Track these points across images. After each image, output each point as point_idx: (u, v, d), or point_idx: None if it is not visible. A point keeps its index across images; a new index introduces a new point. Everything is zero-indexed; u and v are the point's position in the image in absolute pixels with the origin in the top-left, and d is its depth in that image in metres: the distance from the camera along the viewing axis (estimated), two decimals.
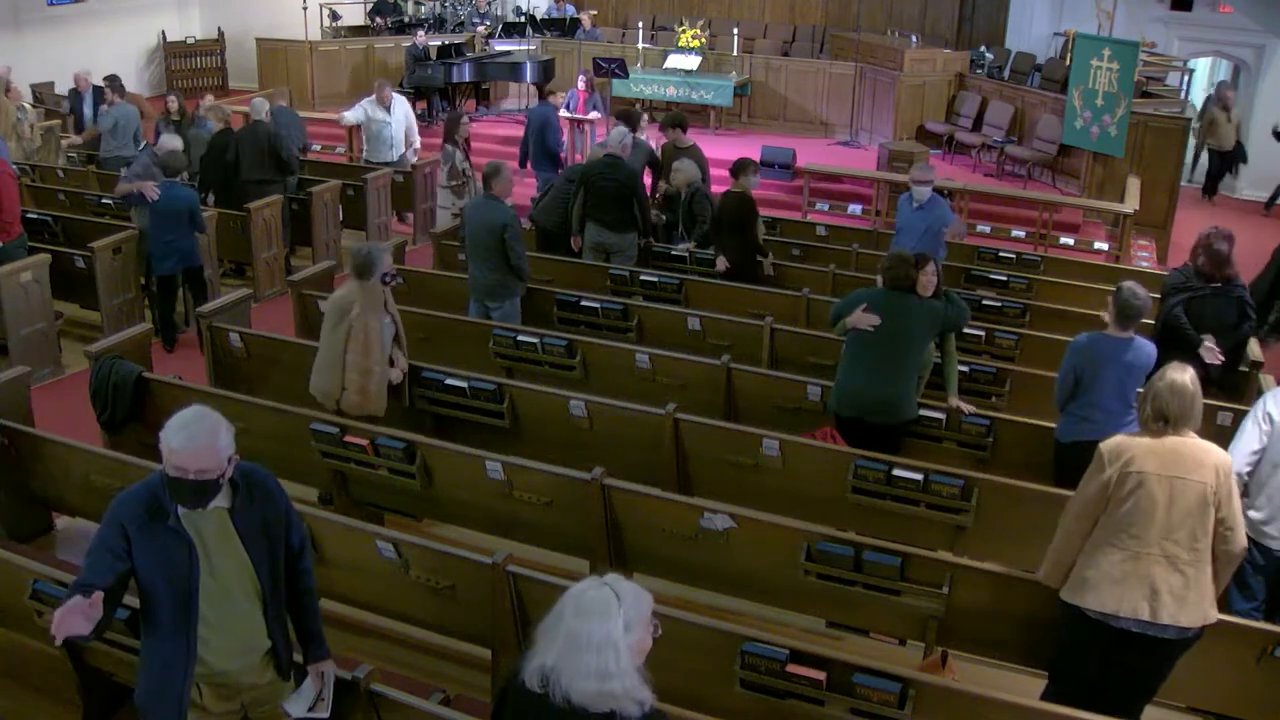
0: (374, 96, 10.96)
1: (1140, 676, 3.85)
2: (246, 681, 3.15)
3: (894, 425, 5.42)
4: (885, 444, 5.31)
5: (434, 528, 5.39)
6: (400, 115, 11.05)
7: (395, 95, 11.14)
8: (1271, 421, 4.43)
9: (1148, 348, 5.02)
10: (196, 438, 2.86)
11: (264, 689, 3.20)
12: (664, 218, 8.52)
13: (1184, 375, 3.75)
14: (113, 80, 11.14)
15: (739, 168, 7.67)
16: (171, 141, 8.34)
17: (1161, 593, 3.67)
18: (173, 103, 10.60)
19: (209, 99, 11.23)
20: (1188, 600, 3.68)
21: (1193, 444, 3.73)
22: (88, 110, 12.08)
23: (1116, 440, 3.83)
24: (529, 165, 10.74)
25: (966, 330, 6.97)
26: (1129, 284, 5.06)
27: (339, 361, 5.33)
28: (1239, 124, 13.73)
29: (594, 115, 12.42)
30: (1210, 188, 14.26)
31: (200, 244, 8.06)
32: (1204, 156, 14.40)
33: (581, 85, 13.04)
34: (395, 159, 11.02)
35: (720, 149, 13.15)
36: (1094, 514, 3.81)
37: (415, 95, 14.15)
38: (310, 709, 3.19)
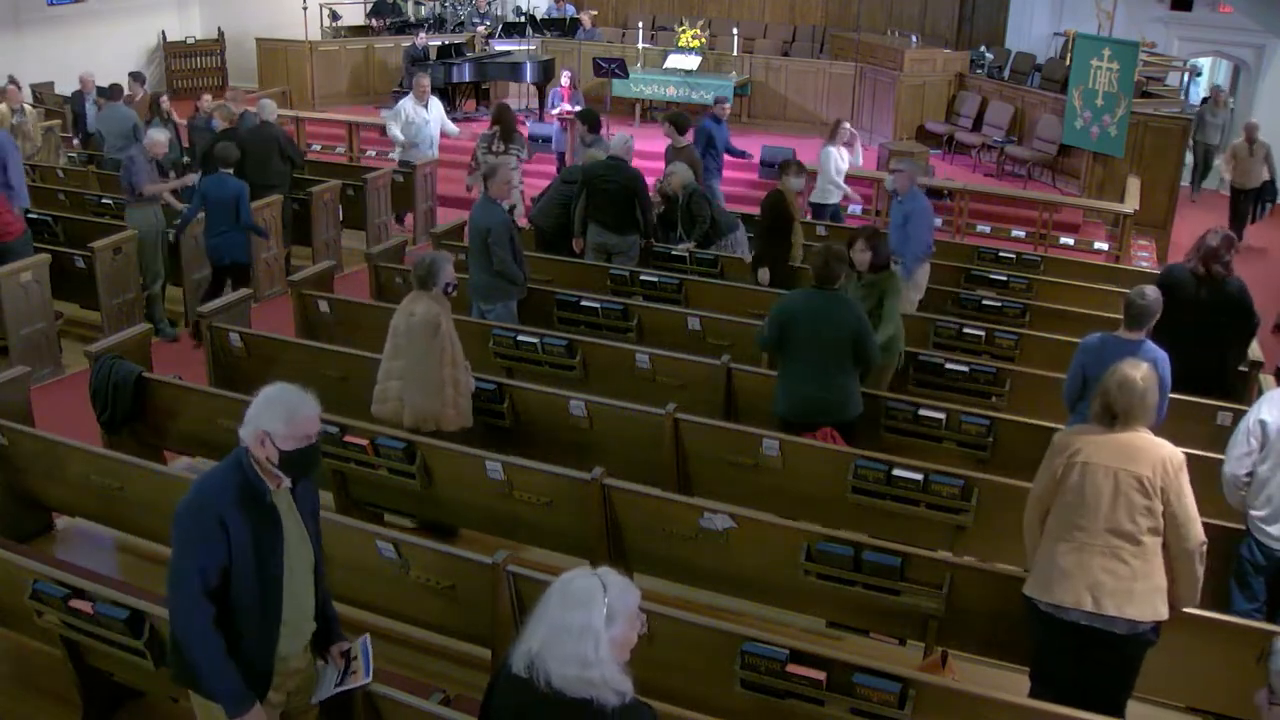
0: (412, 95, 10.76)
1: (1107, 671, 3.84)
2: (293, 666, 3.19)
3: (839, 425, 5.40)
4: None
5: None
6: (437, 113, 10.97)
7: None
8: (1264, 427, 4.42)
9: (1156, 354, 4.91)
10: (312, 401, 3.03)
11: (304, 675, 3.25)
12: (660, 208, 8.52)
13: (1135, 372, 3.75)
14: (137, 76, 11.23)
15: (780, 167, 7.94)
16: (158, 135, 8.41)
17: (1104, 583, 3.67)
18: (165, 102, 10.67)
19: (207, 99, 11.21)
20: (1134, 592, 3.67)
21: (1143, 438, 3.74)
22: (91, 111, 12.10)
23: (1067, 431, 3.88)
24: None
25: (966, 330, 7.00)
26: (1142, 285, 5.04)
27: (440, 380, 5.19)
28: (1269, 157, 11.90)
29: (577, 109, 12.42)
30: (1238, 228, 11.89)
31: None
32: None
33: (565, 83, 13.04)
34: (433, 157, 10.94)
35: None
36: (1045, 503, 3.86)
37: None
38: (338, 685, 3.21)
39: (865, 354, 5.35)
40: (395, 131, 10.83)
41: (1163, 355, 4.92)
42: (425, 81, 10.79)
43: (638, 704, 2.43)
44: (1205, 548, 3.80)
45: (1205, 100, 14.22)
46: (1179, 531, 3.72)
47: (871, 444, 5.54)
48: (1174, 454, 3.75)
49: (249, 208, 8.00)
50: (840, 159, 9.75)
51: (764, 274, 7.67)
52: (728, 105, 10.74)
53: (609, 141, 8.28)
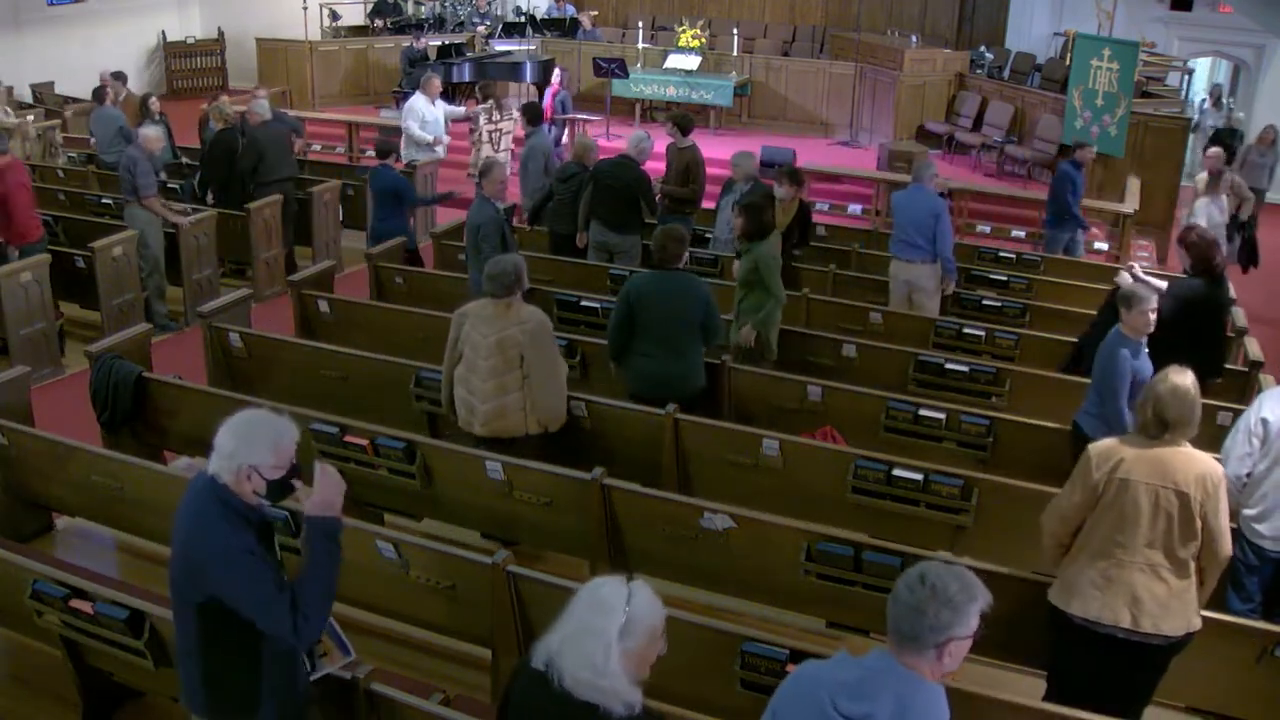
0: (423, 95, 10.73)
1: (1132, 680, 3.83)
2: None
3: (687, 397, 5.49)
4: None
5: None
6: (443, 111, 10.99)
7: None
8: (1265, 425, 4.41)
9: (1119, 356, 4.83)
10: (289, 423, 2.93)
11: None
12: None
13: (1185, 379, 3.65)
14: (118, 76, 11.36)
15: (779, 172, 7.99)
16: (151, 130, 8.45)
17: (1144, 601, 3.64)
18: (154, 103, 10.75)
19: (224, 99, 11.19)
20: (1170, 608, 3.65)
21: (1184, 453, 3.65)
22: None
23: (1106, 444, 3.79)
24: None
25: (967, 330, 7.00)
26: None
27: (563, 376, 5.23)
28: (1240, 193, 9.75)
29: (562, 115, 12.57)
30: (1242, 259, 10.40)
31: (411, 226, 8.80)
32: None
33: (555, 82, 13.07)
34: (441, 156, 10.97)
35: (720, 149, 13.16)
36: (1078, 518, 3.78)
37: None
38: (311, 671, 3.19)
39: (712, 329, 5.61)
40: (417, 131, 10.72)
41: (1121, 360, 4.81)
42: (437, 82, 10.84)
43: (646, 714, 2.43)
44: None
45: (1224, 133, 12.81)
46: (1213, 546, 3.67)
47: (871, 444, 5.54)
48: (1214, 469, 3.66)
49: (412, 191, 8.66)
50: (1219, 213, 8.66)
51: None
52: (1092, 150, 9.74)
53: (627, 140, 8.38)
